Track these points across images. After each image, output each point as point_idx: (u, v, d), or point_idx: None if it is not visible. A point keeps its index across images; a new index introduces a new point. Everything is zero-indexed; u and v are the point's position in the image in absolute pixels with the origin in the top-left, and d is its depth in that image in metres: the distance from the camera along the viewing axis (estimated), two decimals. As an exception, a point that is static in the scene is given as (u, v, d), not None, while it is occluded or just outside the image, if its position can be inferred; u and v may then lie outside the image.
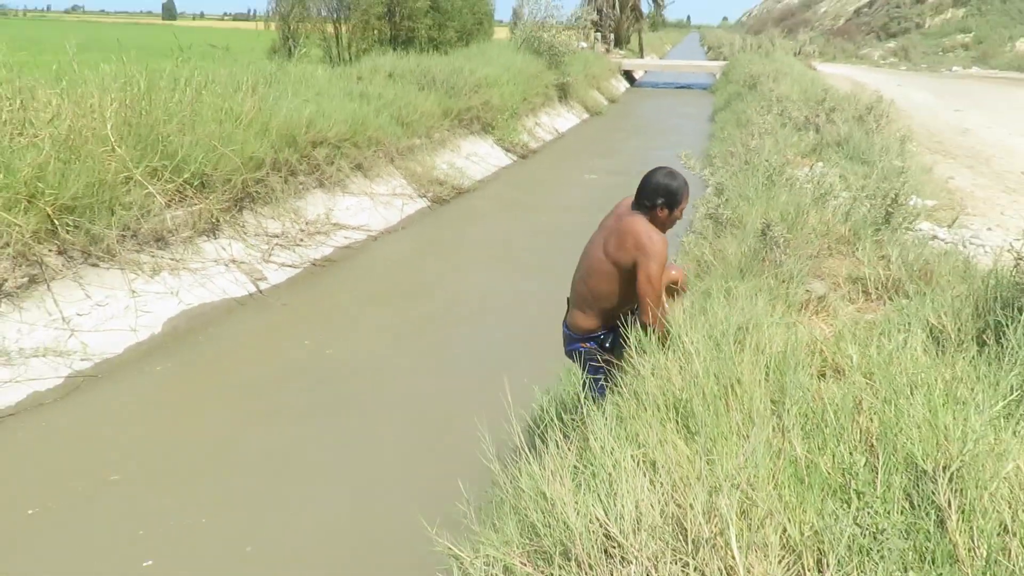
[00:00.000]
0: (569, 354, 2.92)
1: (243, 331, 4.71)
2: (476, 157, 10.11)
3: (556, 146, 12.51)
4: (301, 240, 6.15)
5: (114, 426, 3.53)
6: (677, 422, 2.19)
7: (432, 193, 8.17)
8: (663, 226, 2.74)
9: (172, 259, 5.07)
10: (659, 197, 2.68)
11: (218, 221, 5.57)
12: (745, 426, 2.14)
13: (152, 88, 5.59)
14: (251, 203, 6.05)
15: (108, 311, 4.38)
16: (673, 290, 3.01)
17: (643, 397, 2.27)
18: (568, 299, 2.95)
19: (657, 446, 1.95)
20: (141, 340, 4.33)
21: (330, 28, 13.33)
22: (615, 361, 2.72)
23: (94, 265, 4.56)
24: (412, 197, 8.00)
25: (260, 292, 5.29)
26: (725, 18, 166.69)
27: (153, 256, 4.97)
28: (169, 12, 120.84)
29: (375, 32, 13.05)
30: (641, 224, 2.67)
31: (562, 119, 14.57)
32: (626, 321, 2.66)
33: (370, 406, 3.84)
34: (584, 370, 2.79)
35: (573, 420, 2.23)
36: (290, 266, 5.79)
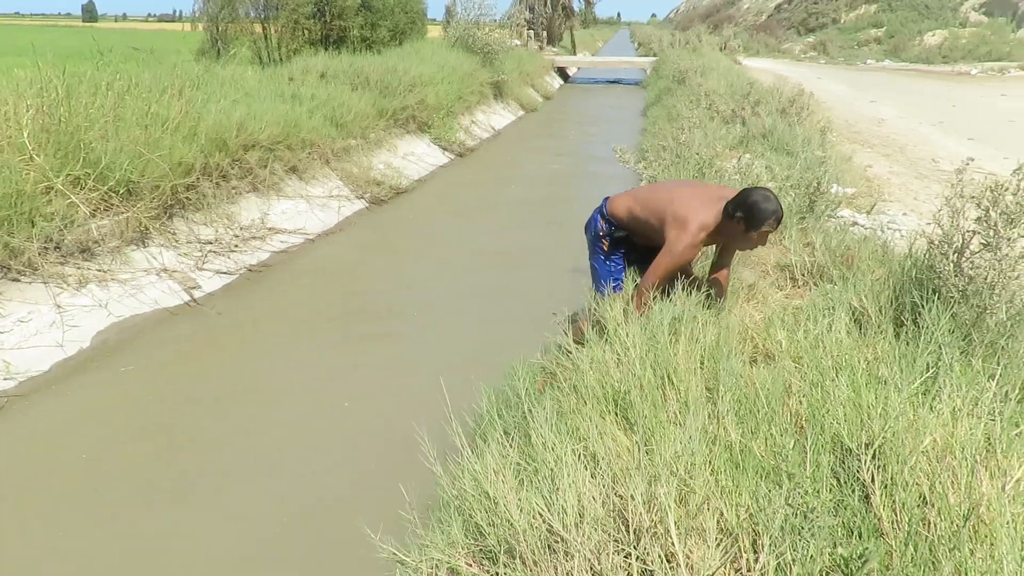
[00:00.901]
0: (586, 227, 3.35)
1: (176, 342, 4.56)
2: (413, 157, 10.05)
3: (493, 143, 12.54)
4: (236, 246, 6.00)
5: (43, 446, 3.38)
6: (616, 414, 2.24)
7: (370, 194, 8.08)
8: (735, 240, 2.86)
9: (99, 270, 4.87)
10: (740, 210, 2.70)
11: (147, 229, 5.38)
12: (682, 414, 2.21)
13: (72, 93, 5.35)
14: (182, 210, 5.87)
15: (32, 327, 4.19)
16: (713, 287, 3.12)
17: (583, 391, 2.31)
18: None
19: (597, 439, 1.99)
20: (69, 356, 4.15)
21: (259, 29, 13.03)
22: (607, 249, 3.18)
23: (15, 280, 4.35)
24: (349, 198, 7.90)
25: (194, 301, 5.13)
26: (654, 15, 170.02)
27: (79, 268, 4.77)
28: (90, 14, 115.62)
29: (305, 32, 12.82)
30: (700, 216, 2.78)
31: (498, 116, 14.60)
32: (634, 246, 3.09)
33: (309, 413, 3.78)
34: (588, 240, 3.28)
35: (515, 417, 2.25)
36: (225, 273, 5.64)
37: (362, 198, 7.99)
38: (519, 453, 2.05)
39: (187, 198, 5.89)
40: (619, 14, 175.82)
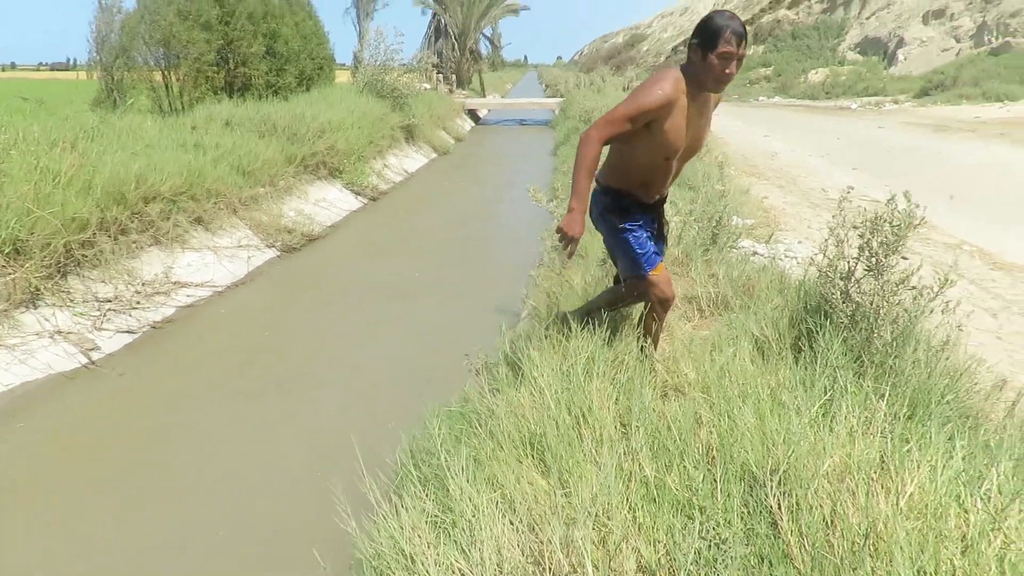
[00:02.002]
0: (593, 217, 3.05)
1: (71, 408, 4.28)
2: (325, 202, 9.92)
3: (406, 186, 12.55)
4: (138, 303, 5.72)
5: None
6: (533, 457, 2.25)
7: (281, 242, 7.91)
8: (699, 74, 2.50)
9: (-17, 337, 4.55)
10: (695, 36, 2.47)
11: (38, 290, 5.08)
12: (598, 453, 2.23)
13: (-50, 149, 5.05)
14: (77, 267, 5.57)
15: (-97, 404, 3.85)
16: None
17: (499, 436, 2.31)
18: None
19: (514, 484, 1.99)
20: (-52, 431, 3.83)
21: (159, 77, 12.64)
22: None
23: None
24: (260, 248, 7.70)
25: (93, 363, 4.85)
26: (559, 57, 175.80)
27: (-41, 336, 4.44)
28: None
29: (208, 80, 12.52)
30: (658, 72, 2.66)
31: (411, 159, 14.65)
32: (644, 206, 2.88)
33: (218, 476, 3.60)
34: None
35: (432, 468, 2.22)
36: (127, 332, 5.37)
37: (273, 247, 7.81)
38: (437, 505, 2.02)
39: (83, 255, 5.60)
40: (526, 57, 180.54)
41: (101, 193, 5.92)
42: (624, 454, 2.23)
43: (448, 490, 1.98)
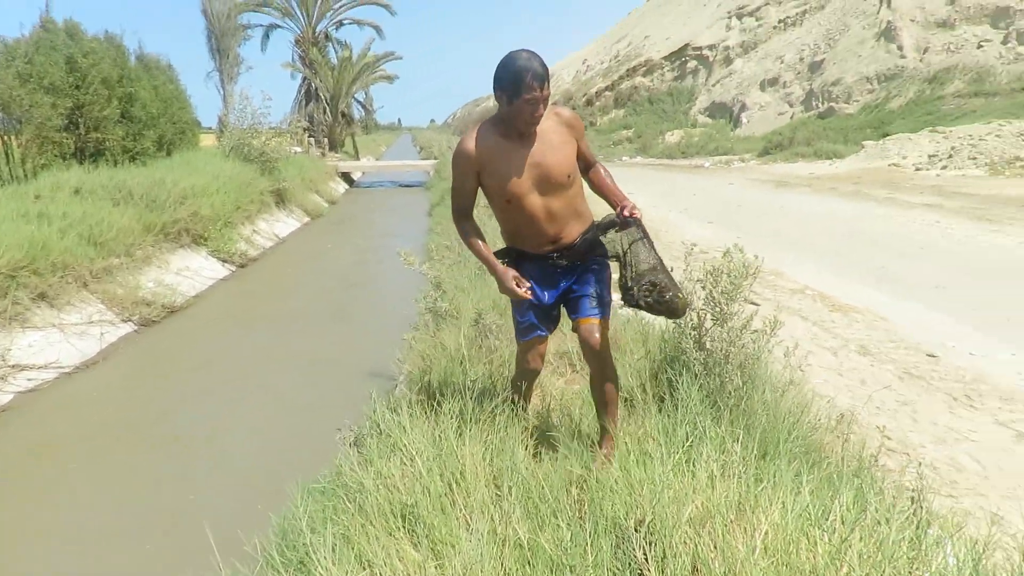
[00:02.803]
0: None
1: None
2: (189, 272, 9.45)
3: (277, 252, 12.19)
4: (-34, 391, 5.17)
5: None
6: (405, 528, 2.19)
7: (139, 316, 7.43)
8: (509, 119, 2.50)
9: None
10: (497, 84, 2.47)
11: None
12: (471, 519, 2.20)
13: None
14: None
15: None
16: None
17: (370, 510, 2.23)
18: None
19: (384, 560, 1.92)
20: None
21: (-3, 143, 11.73)
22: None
23: None
24: (114, 323, 7.19)
25: (-93, 463, 4.30)
26: (433, 120, 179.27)
27: None
28: None
29: (55, 145, 11.73)
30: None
31: (282, 224, 14.29)
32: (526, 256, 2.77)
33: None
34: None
35: (297, 553, 2.10)
36: (-49, 425, 4.82)
37: (129, 321, 7.32)
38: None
39: (-103, 341, 5.02)
40: (400, 120, 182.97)
41: (-79, 271, 5.37)
42: (498, 518, 2.21)
43: (311, 574, 1.89)
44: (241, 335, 7.28)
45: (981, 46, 24.83)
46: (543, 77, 2.42)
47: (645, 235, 2.68)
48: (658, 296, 2.57)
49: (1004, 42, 24.22)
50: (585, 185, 2.76)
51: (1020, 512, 2.78)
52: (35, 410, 5.22)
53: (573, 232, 2.70)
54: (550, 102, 2.54)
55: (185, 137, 15.39)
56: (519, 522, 2.18)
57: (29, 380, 5.67)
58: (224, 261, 10.41)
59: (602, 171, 2.80)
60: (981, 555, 1.88)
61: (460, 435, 2.67)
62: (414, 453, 2.45)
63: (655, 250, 2.68)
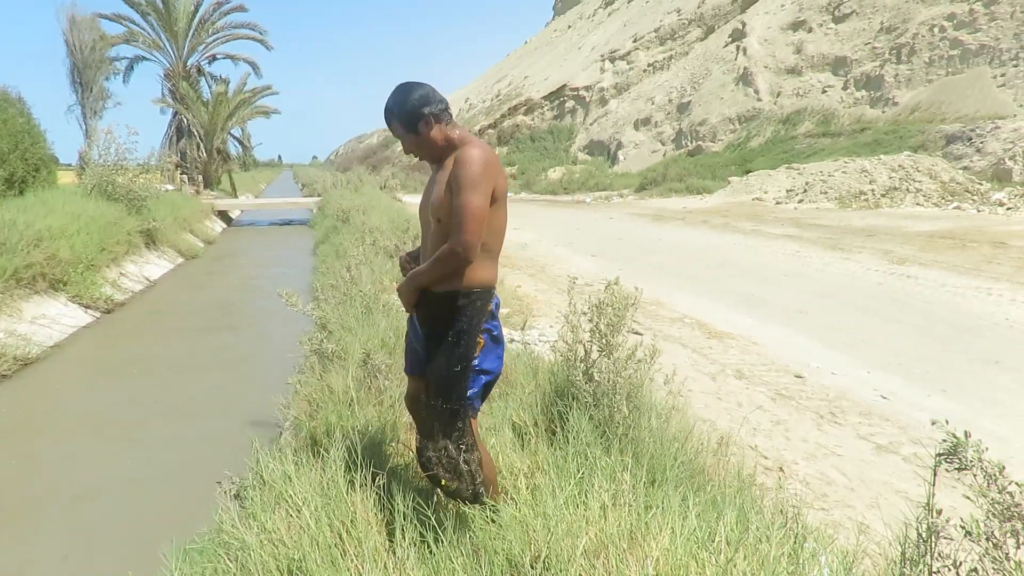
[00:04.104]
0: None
1: None
2: (46, 320, 8.67)
3: (148, 295, 11.44)
4: None
5: None
6: (293, 586, 2.07)
7: (-16, 370, 6.73)
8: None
9: None
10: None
11: None
12: (363, 568, 2.12)
13: None
14: None
15: None
16: None
17: (253, 569, 2.10)
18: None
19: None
20: None
21: None
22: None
23: None
24: (-46, 379, 6.47)
25: None
26: (315, 157, 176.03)
27: None
28: None
29: None
30: None
31: (152, 266, 13.45)
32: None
33: None
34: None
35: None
36: None
37: (-29, 377, 6.61)
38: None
39: None
40: (280, 156, 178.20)
41: None
42: (391, 566, 2.14)
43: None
44: (107, 386, 6.73)
45: (825, 91, 27.39)
46: (388, 117, 2.44)
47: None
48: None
49: (844, 88, 26.83)
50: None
51: (883, 520, 3.00)
52: None
53: None
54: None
55: (40, 175, 14.25)
56: (413, 567, 2.11)
57: None
58: (87, 307, 9.64)
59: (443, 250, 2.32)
60: (851, 564, 2.00)
61: (350, 481, 2.58)
62: (300, 503, 2.33)
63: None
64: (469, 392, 2.36)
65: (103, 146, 15.53)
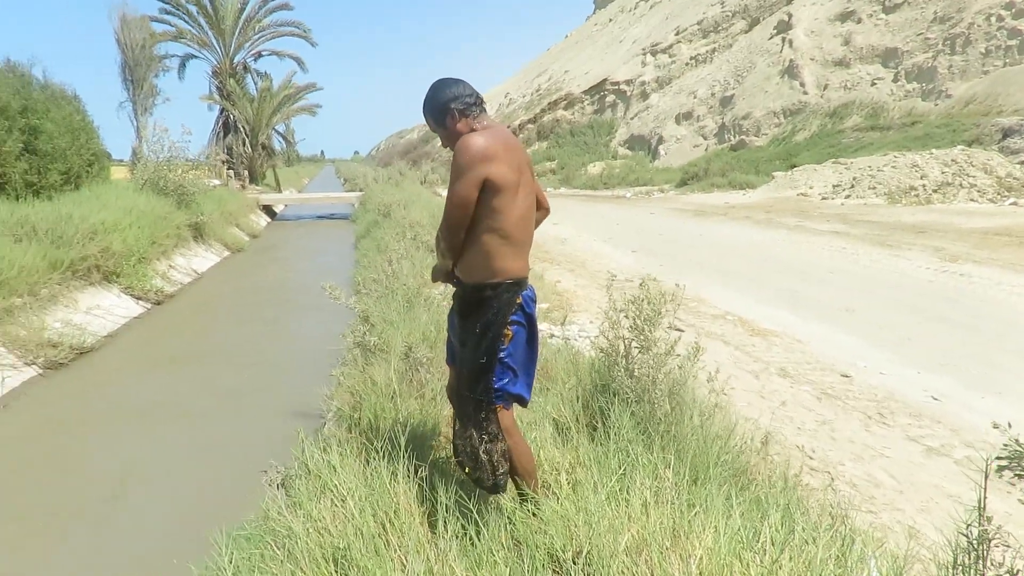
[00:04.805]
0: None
1: None
2: (100, 310, 8.97)
3: (195, 287, 11.74)
4: None
5: None
6: (338, 573, 2.11)
7: (44, 358, 6.98)
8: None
9: None
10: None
11: None
12: (406, 560, 2.15)
13: None
14: None
15: None
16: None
17: (300, 556, 2.15)
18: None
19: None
20: None
21: None
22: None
23: None
24: (16, 366, 6.72)
25: None
26: (357, 152, 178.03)
27: None
28: None
29: (-52, 179, 11.02)
30: None
31: (200, 259, 13.79)
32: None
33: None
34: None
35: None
36: None
37: (33, 364, 6.87)
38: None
39: None
40: (323, 152, 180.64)
41: None
42: (434, 557, 2.16)
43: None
44: (157, 375, 6.94)
45: (875, 84, 26.66)
46: (423, 111, 2.57)
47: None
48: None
49: (895, 80, 26.07)
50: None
51: (933, 525, 2.92)
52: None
53: (460, 269, 2.51)
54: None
55: (94, 170, 14.71)
56: (456, 560, 2.13)
57: (-83, 432, 5.23)
58: (138, 298, 9.94)
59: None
60: (902, 569, 1.96)
61: (393, 473, 2.61)
62: (345, 493, 2.37)
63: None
64: (496, 384, 2.40)
65: (155, 142, 15.96)
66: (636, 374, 2.90)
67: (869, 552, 2.14)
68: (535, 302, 2.53)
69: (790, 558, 2.04)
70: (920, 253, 10.21)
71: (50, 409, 5.97)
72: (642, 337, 2.86)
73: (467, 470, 2.41)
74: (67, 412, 5.91)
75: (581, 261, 10.97)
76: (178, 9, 28.59)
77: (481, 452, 2.36)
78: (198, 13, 29.14)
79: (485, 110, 2.54)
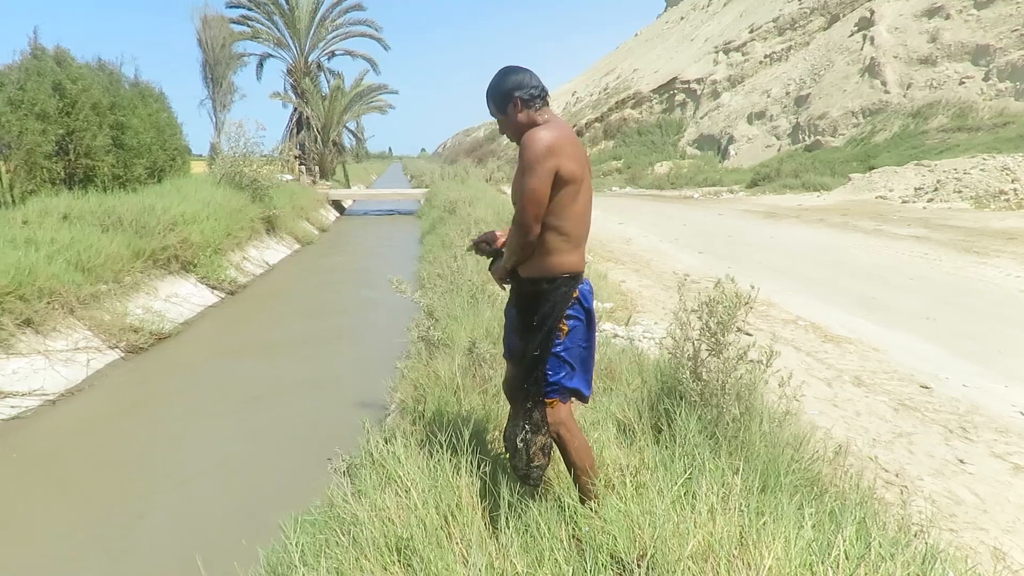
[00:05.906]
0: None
1: None
2: (177, 298, 9.36)
3: (267, 279, 12.12)
4: (-54, 419, 5.05)
5: None
6: (400, 563, 2.13)
7: (126, 343, 7.33)
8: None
9: None
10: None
11: None
12: (467, 553, 2.15)
13: None
14: None
15: None
16: None
17: (363, 544, 2.18)
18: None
19: (379, 597, 1.87)
20: None
21: (-15, 167, 11.66)
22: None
23: None
24: (101, 349, 7.08)
25: None
26: (423, 149, 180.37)
27: None
28: None
29: (45, 171, 11.68)
30: None
31: (272, 251, 14.23)
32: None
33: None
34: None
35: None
36: (-71, 454, 4.70)
37: (116, 348, 7.22)
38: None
39: None
40: (391, 148, 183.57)
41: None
42: (495, 552, 2.16)
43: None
44: (230, 362, 7.19)
45: (963, 83, 25.36)
46: (487, 97, 2.54)
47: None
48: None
49: (985, 79, 24.75)
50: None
51: (1021, 547, 2.76)
52: (17, 439, 5.10)
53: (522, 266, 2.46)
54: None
55: (176, 164, 15.36)
56: (517, 556, 2.12)
57: (12, 408, 5.56)
58: (213, 288, 10.33)
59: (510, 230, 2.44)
60: (989, 591, 1.84)
61: (456, 466, 2.62)
62: (409, 485, 2.39)
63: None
64: (552, 378, 2.39)
65: (233, 138, 16.55)
66: (704, 377, 2.83)
67: (952, 573, 2.02)
68: (592, 294, 2.51)
69: (866, 574, 1.95)
70: (1009, 260, 9.66)
71: (130, 392, 6.26)
72: (713, 340, 2.78)
73: (509, 457, 2.45)
74: (145, 395, 6.18)
75: (646, 261, 10.82)
76: (256, 9, 29.54)
77: (518, 440, 2.38)
78: (275, 13, 30.06)
79: (548, 103, 2.51)
